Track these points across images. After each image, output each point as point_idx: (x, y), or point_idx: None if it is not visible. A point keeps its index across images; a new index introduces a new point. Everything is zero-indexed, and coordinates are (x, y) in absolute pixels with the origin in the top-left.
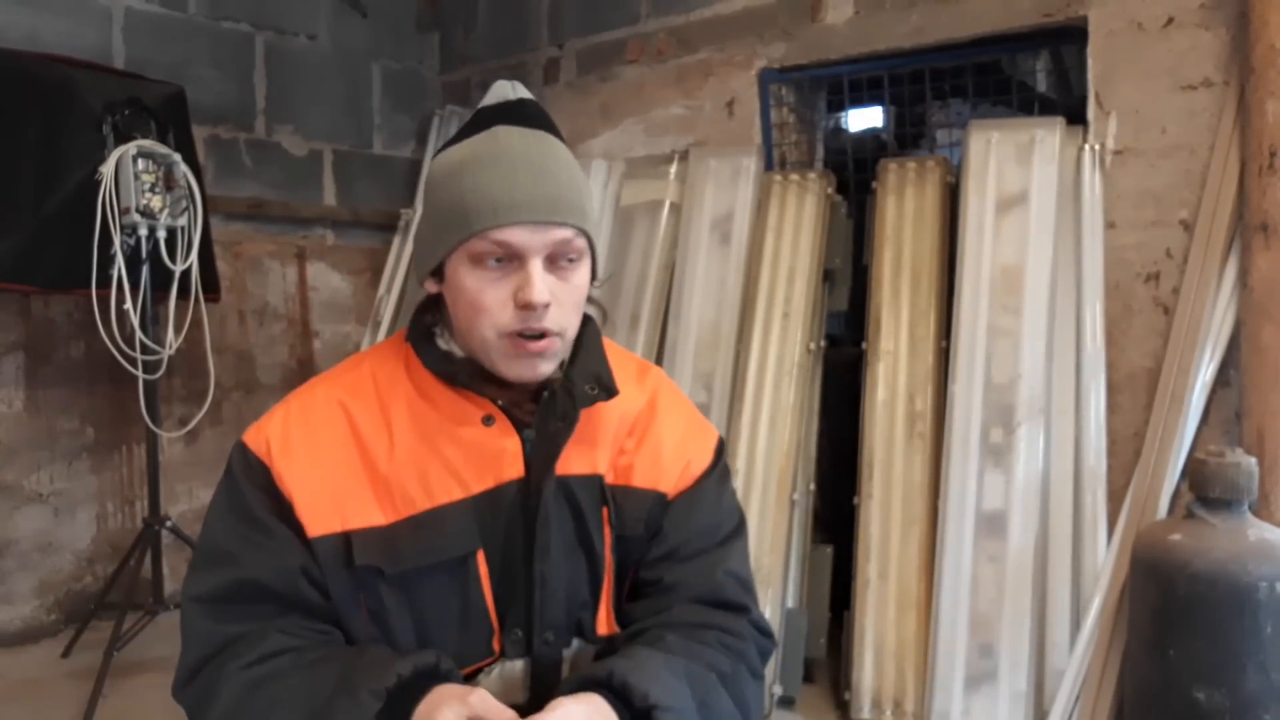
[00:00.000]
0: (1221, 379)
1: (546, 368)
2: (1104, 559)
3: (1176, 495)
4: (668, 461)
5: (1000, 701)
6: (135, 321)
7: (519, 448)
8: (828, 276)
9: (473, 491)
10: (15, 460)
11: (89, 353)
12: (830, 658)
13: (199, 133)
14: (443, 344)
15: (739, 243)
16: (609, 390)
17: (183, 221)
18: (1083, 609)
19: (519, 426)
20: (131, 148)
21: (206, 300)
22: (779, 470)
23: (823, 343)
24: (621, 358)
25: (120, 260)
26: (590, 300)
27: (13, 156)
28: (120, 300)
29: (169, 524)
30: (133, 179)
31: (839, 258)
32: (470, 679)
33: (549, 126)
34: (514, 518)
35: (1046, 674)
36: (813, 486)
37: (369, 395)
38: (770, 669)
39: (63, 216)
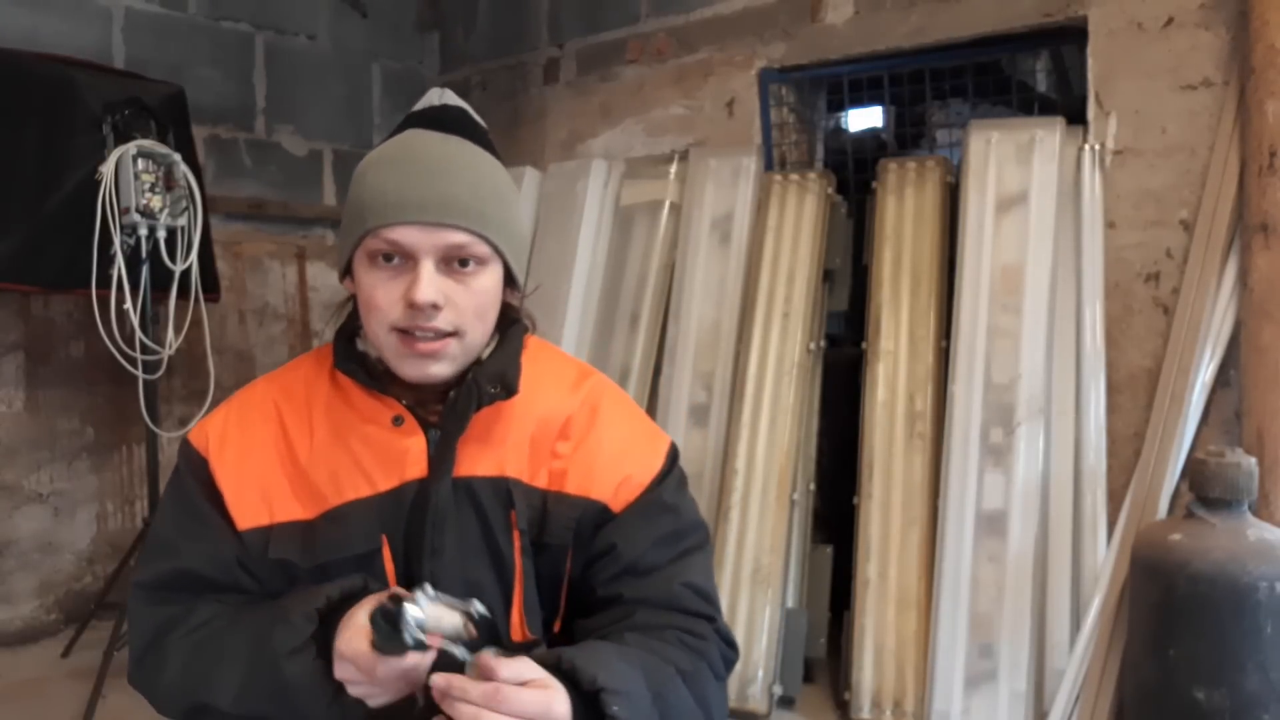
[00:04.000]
0: (1221, 379)
1: (440, 369)
2: (1104, 559)
3: (1176, 495)
4: (603, 469)
5: (1000, 701)
6: (135, 321)
7: (423, 447)
8: (828, 276)
9: (379, 489)
10: (15, 460)
11: (89, 353)
12: (830, 658)
13: (199, 133)
14: (360, 344)
15: (739, 243)
16: (509, 389)
17: (182, 221)
18: (1083, 609)
19: (427, 427)
20: (131, 148)
21: (206, 300)
22: (779, 470)
23: (823, 343)
24: (558, 363)
25: (120, 260)
26: (514, 307)
27: (13, 156)
28: (120, 300)
29: None
30: (133, 179)
31: (839, 258)
32: None
33: (472, 132)
34: (415, 517)
35: (1046, 674)
36: (813, 486)
37: (299, 394)
38: (770, 669)
39: (63, 216)
